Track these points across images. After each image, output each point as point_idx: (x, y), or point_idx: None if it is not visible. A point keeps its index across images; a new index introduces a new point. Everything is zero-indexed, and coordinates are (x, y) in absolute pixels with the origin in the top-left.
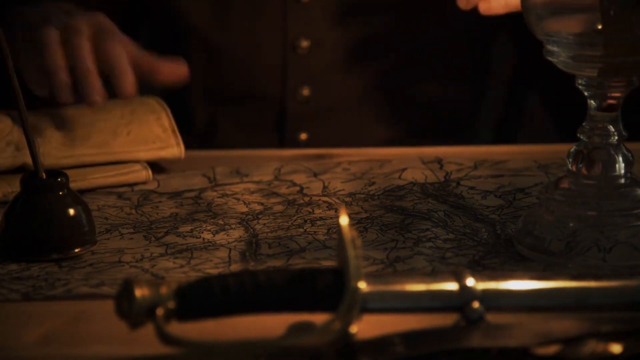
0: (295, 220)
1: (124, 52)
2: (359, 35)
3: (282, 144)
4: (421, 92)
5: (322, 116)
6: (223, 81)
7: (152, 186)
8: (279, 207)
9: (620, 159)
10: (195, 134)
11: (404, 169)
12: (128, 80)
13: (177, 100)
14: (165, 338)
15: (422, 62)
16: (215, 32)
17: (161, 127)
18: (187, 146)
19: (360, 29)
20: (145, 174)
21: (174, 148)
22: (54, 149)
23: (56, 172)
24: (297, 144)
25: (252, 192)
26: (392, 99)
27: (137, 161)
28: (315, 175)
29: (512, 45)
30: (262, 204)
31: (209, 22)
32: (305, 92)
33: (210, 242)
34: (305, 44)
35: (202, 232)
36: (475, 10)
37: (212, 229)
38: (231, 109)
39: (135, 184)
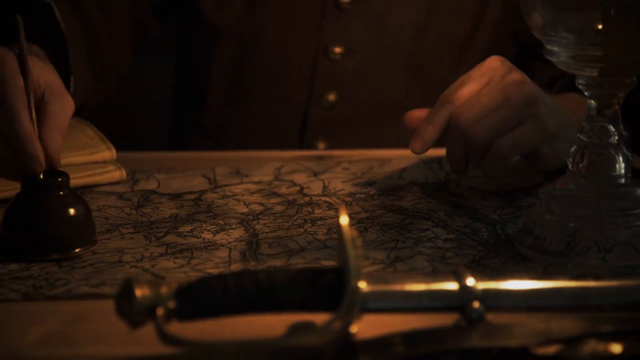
0: (295, 220)
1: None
2: (391, 46)
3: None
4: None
5: (343, 124)
6: (247, 81)
7: (152, 186)
8: (279, 207)
9: (620, 159)
10: (209, 132)
11: (404, 169)
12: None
13: (193, 98)
14: (165, 338)
15: (446, 74)
16: (248, 31)
17: (87, 136)
18: (196, 147)
19: (393, 40)
20: (119, 174)
21: (105, 152)
22: None
23: (56, 172)
24: None
25: (252, 193)
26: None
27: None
28: (315, 175)
29: (512, 46)
30: (262, 204)
31: (243, 20)
32: (331, 97)
33: (211, 242)
34: (338, 49)
35: (203, 232)
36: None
37: (212, 229)
38: (252, 110)
39: (110, 183)
